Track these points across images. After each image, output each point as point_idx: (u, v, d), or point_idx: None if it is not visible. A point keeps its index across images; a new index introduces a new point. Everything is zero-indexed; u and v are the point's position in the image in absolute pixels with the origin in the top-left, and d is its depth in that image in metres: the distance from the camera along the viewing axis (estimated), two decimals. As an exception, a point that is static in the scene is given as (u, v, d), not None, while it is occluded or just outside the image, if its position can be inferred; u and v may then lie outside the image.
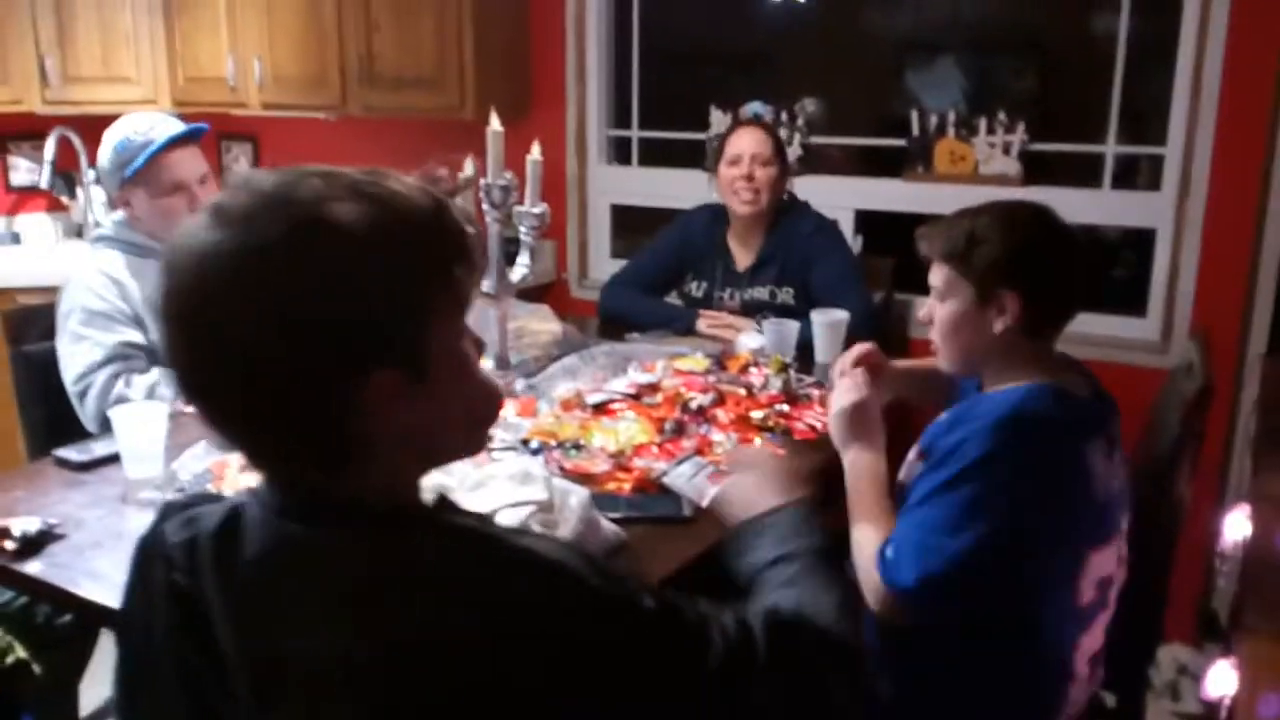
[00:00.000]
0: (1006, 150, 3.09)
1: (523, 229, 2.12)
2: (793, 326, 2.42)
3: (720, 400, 2.04)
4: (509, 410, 1.99)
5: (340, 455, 0.84)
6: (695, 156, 3.54)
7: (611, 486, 1.67)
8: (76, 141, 4.00)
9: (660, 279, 2.94)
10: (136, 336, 2.22)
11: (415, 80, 3.49)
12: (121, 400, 2.12)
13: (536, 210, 2.10)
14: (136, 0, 3.84)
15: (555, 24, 3.62)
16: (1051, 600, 1.48)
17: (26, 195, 4.18)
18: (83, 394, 2.18)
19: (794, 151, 3.40)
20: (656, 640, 0.85)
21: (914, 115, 3.21)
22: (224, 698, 0.88)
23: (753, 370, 2.23)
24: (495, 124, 2.00)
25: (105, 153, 2.28)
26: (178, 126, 2.30)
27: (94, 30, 3.83)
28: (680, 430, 1.89)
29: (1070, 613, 1.49)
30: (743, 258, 2.84)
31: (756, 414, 1.99)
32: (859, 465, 1.60)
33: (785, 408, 2.04)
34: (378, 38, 3.51)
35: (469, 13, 3.37)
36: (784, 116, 3.44)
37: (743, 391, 2.11)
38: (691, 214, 2.96)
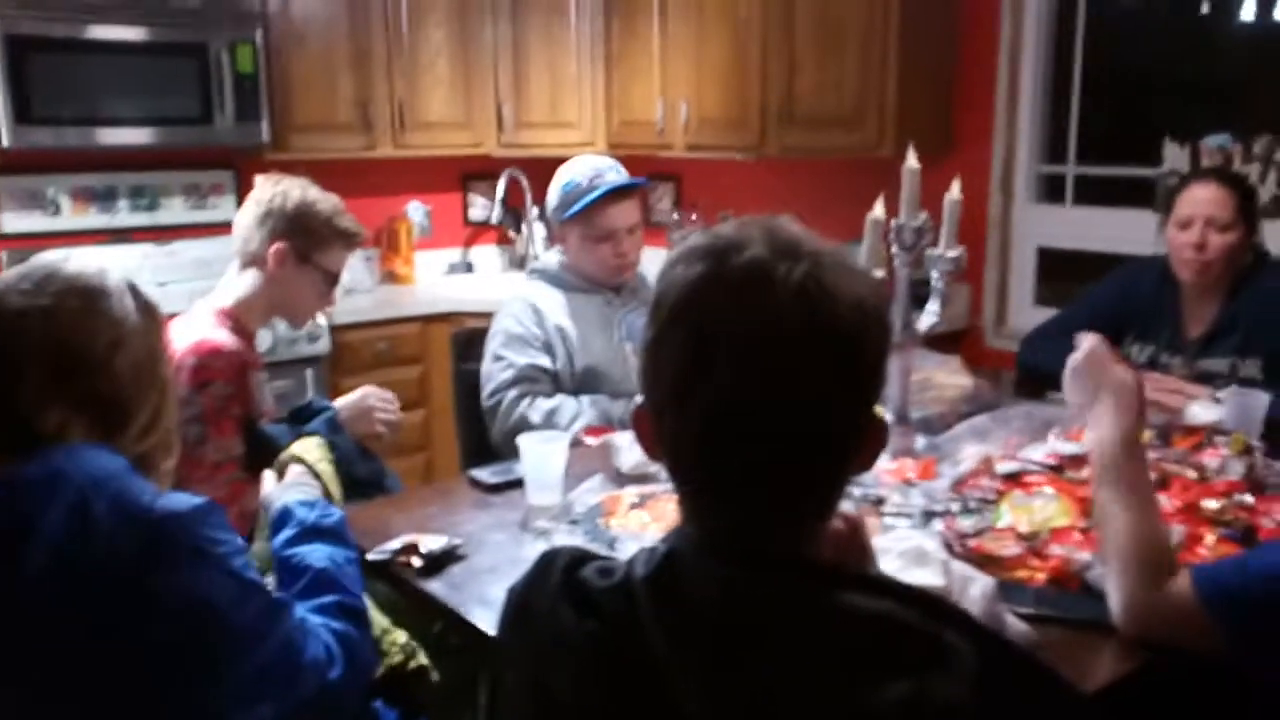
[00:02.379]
0: None
1: (934, 273, 1.96)
2: (1262, 399, 2.02)
3: (1164, 484, 1.73)
4: (908, 471, 1.84)
5: (824, 508, 0.90)
6: (1141, 195, 3.14)
7: (1021, 575, 1.46)
8: (524, 181, 4.40)
9: None
10: (545, 361, 2.36)
11: (834, 119, 3.43)
12: (523, 421, 2.24)
13: (952, 254, 1.93)
14: (582, 51, 4.15)
15: (986, 54, 3.39)
16: None
17: (480, 229, 4.66)
18: (493, 410, 2.34)
19: (1268, 191, 2.90)
20: None
21: None
22: None
23: (1207, 449, 1.88)
24: (911, 160, 1.86)
25: (554, 191, 2.44)
26: (622, 176, 2.42)
27: (545, 80, 4.20)
28: (1110, 515, 1.62)
29: None
30: (1195, 324, 2.44)
31: (1210, 503, 1.66)
32: (1111, 427, 1.42)
33: (1248, 499, 1.68)
34: (799, 78, 3.50)
35: (894, 48, 3.26)
36: (1254, 151, 2.95)
37: (1193, 474, 1.77)
38: (1138, 265, 2.60)
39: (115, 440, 1.22)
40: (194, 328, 1.92)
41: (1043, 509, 1.62)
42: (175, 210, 3.87)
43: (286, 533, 1.44)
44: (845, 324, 0.82)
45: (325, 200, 2.04)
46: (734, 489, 0.86)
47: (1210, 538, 1.56)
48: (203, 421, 1.84)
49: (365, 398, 2.05)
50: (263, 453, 1.78)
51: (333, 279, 2.08)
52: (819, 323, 0.82)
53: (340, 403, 2.05)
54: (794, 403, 0.82)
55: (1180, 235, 2.37)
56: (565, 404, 2.31)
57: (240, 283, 2.03)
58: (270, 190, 2.02)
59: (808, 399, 0.82)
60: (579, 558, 0.93)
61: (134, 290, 1.30)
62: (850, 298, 0.83)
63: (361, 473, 1.95)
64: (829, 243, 0.88)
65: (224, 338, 1.93)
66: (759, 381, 0.82)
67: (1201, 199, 2.36)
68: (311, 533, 1.44)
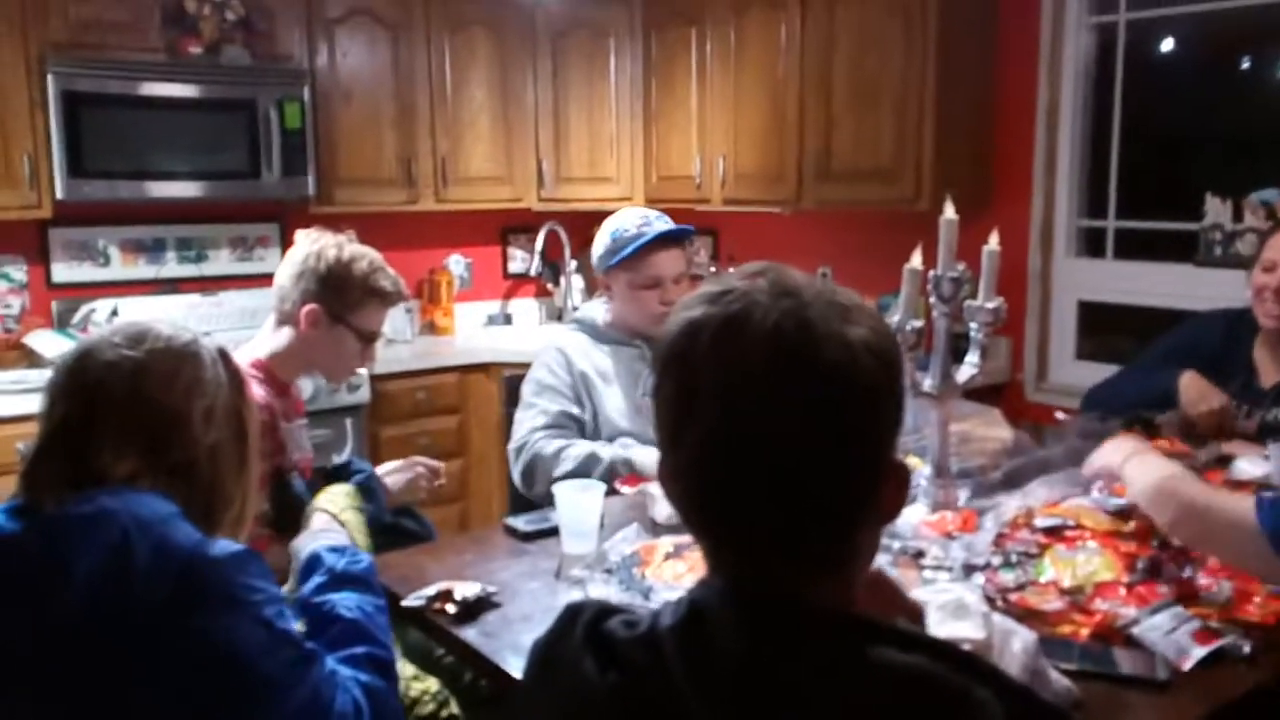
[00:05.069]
0: None
1: (973, 325, 1.95)
2: (1312, 455, 1.98)
3: (1211, 538, 1.69)
4: (949, 524, 1.81)
5: (843, 558, 0.86)
6: (1183, 249, 3.12)
7: (1065, 630, 1.43)
8: (563, 235, 4.45)
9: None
10: (574, 409, 2.41)
11: (871, 173, 3.45)
12: (537, 455, 2.29)
13: (991, 305, 1.92)
14: (621, 109, 4.23)
15: (1025, 111, 3.40)
16: None
17: (519, 282, 4.71)
18: (517, 452, 2.37)
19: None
20: None
21: None
22: None
23: (1255, 504, 1.84)
24: (949, 211, 1.86)
25: (601, 239, 2.47)
26: (669, 225, 2.45)
27: (584, 136, 4.27)
28: (1156, 571, 1.58)
29: None
30: (1270, 374, 2.40)
31: (1259, 559, 1.62)
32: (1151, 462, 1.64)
33: (1299, 555, 1.64)
34: (836, 133, 3.53)
35: (931, 104, 3.28)
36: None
37: (1240, 530, 1.73)
38: (1203, 320, 2.57)
39: (198, 514, 1.22)
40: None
41: (1086, 563, 1.58)
42: (222, 262, 3.96)
43: (316, 579, 1.43)
44: (827, 364, 0.80)
45: (362, 258, 1.98)
46: (733, 534, 0.85)
47: (1259, 594, 1.52)
48: None
49: (412, 467, 2.07)
50: (289, 509, 1.77)
51: (369, 337, 2.02)
52: (795, 362, 0.80)
53: (385, 471, 2.06)
54: (777, 444, 0.81)
55: (1262, 277, 2.35)
56: (578, 442, 2.33)
57: (275, 338, 2.01)
58: (306, 249, 1.99)
59: (790, 439, 0.80)
60: (604, 610, 0.92)
61: (225, 358, 1.32)
62: (837, 337, 0.81)
63: (391, 522, 1.95)
64: (843, 290, 0.86)
65: (254, 391, 1.92)
66: (739, 421, 0.81)
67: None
68: (341, 580, 1.43)
